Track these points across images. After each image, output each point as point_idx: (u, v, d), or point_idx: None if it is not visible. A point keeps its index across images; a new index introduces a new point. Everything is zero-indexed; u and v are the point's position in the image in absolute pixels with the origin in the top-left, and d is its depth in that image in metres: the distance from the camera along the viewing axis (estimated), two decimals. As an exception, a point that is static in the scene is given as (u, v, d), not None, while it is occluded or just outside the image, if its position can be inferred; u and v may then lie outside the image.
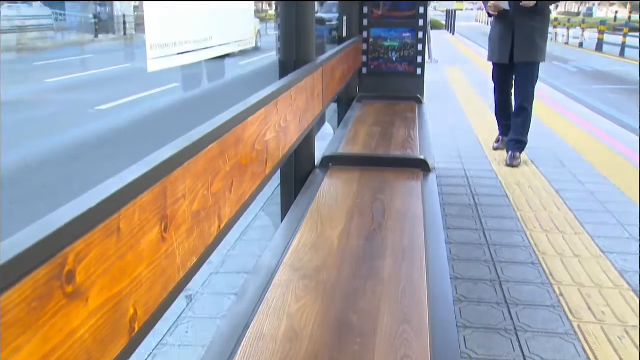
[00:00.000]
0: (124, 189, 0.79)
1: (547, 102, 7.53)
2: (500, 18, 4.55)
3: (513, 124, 4.69)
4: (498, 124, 5.10)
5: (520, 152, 4.66)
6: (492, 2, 4.49)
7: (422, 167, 2.50)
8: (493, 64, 4.81)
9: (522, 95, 4.59)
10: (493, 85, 4.93)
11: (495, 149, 5.06)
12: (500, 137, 5.09)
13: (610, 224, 3.45)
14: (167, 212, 0.94)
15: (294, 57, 2.28)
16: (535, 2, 4.30)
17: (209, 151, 1.12)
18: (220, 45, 1.45)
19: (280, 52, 2.30)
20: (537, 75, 4.60)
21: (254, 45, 1.76)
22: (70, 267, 0.66)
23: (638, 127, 6.52)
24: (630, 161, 4.78)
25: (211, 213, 1.14)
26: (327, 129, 4.75)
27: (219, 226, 1.19)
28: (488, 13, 4.70)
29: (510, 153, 4.66)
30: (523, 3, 4.32)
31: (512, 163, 4.59)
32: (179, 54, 1.20)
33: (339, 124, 3.86)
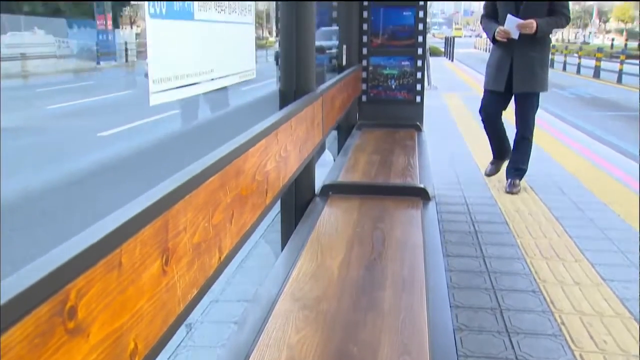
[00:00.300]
0: (126, 223, 0.80)
1: (546, 128, 7.57)
2: (500, 45, 4.42)
3: (514, 152, 4.62)
4: (491, 148, 4.85)
5: (520, 179, 4.64)
6: (501, 27, 4.32)
7: (421, 195, 2.51)
8: (486, 91, 4.61)
9: (524, 125, 4.50)
10: (481, 116, 4.70)
11: (489, 174, 4.89)
12: (494, 161, 4.88)
13: (611, 251, 3.45)
14: (168, 245, 0.95)
15: (294, 86, 2.30)
16: (535, 29, 4.19)
17: (210, 184, 1.13)
18: (222, 77, 1.47)
19: (281, 82, 2.32)
20: (537, 105, 4.52)
21: (254, 76, 1.78)
22: (72, 304, 0.67)
23: (638, 154, 6.55)
24: (630, 188, 4.79)
25: (212, 245, 1.15)
26: (327, 155, 4.77)
27: (220, 258, 1.20)
28: (493, 39, 4.43)
29: (509, 180, 4.63)
30: (520, 27, 4.20)
31: (512, 190, 4.57)
32: (180, 87, 1.21)
33: (338, 151, 3.88)
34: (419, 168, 3.02)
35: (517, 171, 4.62)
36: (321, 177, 2.72)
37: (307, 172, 2.32)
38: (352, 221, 2.22)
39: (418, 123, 4.24)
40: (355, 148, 3.50)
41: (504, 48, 4.40)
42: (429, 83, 12.62)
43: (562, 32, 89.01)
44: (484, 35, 4.72)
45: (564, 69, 23.17)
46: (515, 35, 4.26)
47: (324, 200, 2.46)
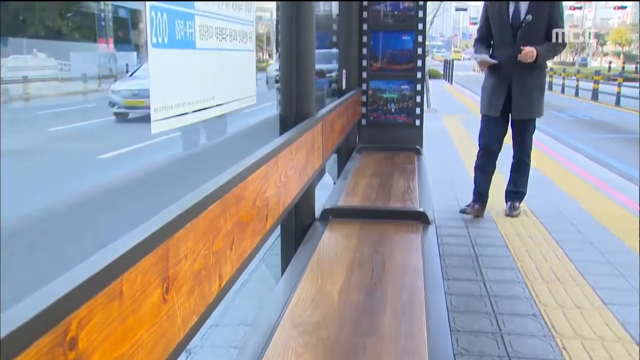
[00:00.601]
0: (127, 253, 0.81)
1: (545, 150, 7.59)
2: (496, 70, 4.33)
3: (513, 176, 4.58)
4: (474, 187, 4.61)
5: (519, 202, 4.62)
6: (480, 57, 4.35)
7: (421, 219, 2.52)
8: (483, 117, 4.50)
9: (522, 149, 4.48)
10: (479, 142, 4.57)
11: (463, 212, 4.56)
12: (473, 204, 4.58)
13: (612, 275, 3.44)
14: (169, 274, 0.95)
15: (294, 111, 2.32)
16: (535, 57, 4.12)
17: (211, 211, 1.13)
18: (222, 104, 1.49)
19: (281, 107, 2.34)
20: (534, 128, 4.51)
21: (255, 102, 1.80)
22: (73, 334, 0.67)
23: (638, 177, 6.56)
24: (630, 211, 4.79)
25: (212, 272, 1.15)
26: (327, 178, 4.77)
27: (220, 284, 1.20)
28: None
29: (509, 203, 4.59)
30: (521, 57, 4.12)
31: (512, 213, 4.54)
32: (182, 114, 1.22)
33: (338, 175, 3.89)
34: (418, 192, 3.03)
35: (517, 194, 4.59)
36: (320, 199, 2.73)
37: (307, 196, 2.33)
38: (352, 245, 2.22)
39: (418, 146, 4.26)
40: (355, 171, 3.51)
41: (501, 72, 4.32)
42: (428, 105, 12.68)
43: (560, 55, 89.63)
44: None
45: (563, 91, 23.31)
46: (493, 60, 4.26)
47: (324, 224, 2.46)
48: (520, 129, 4.43)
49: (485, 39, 4.46)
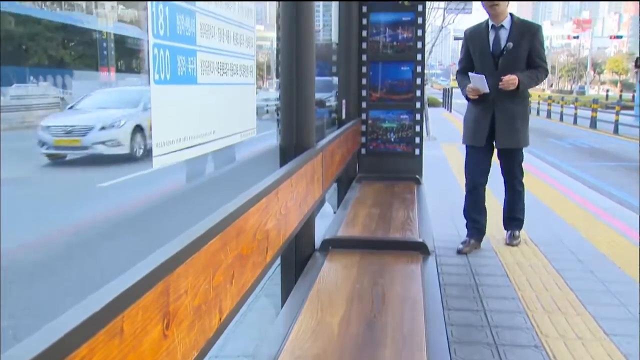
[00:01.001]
0: (128, 290, 0.81)
1: (544, 178, 7.61)
2: (479, 100, 4.19)
3: (508, 204, 4.51)
4: (467, 222, 4.52)
5: (519, 230, 4.57)
6: (471, 85, 4.14)
7: (421, 250, 2.52)
8: (467, 147, 4.42)
9: (512, 178, 4.40)
10: (465, 174, 4.48)
11: (460, 252, 4.38)
12: (468, 239, 4.45)
13: (613, 305, 3.42)
14: (169, 310, 0.95)
15: (294, 142, 2.34)
16: (517, 84, 4.02)
17: (211, 245, 1.14)
18: (223, 137, 1.50)
19: (281, 138, 2.36)
20: (523, 156, 4.40)
21: (255, 134, 1.82)
22: (74, 373, 0.67)
23: (637, 205, 6.57)
24: (629, 239, 4.78)
25: (212, 306, 1.15)
26: (327, 207, 4.78)
27: (220, 319, 1.20)
28: (467, 97, 4.29)
29: (509, 232, 4.55)
30: (503, 85, 4.03)
31: (512, 242, 4.49)
32: (183, 149, 1.24)
33: (338, 204, 3.90)
34: (418, 222, 3.03)
35: (515, 221, 4.54)
36: (320, 228, 2.73)
37: (307, 227, 2.33)
38: (352, 276, 2.21)
39: (417, 176, 4.28)
40: (355, 201, 3.52)
41: (483, 102, 4.20)
42: (427, 134, 12.75)
43: (558, 83, 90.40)
44: None
45: (561, 119, 23.46)
46: (485, 88, 4.07)
47: (324, 255, 2.46)
48: (507, 158, 4.36)
49: (467, 70, 4.31)
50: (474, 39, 4.29)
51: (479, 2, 4.28)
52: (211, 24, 1.43)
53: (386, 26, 4.57)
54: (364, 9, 4.57)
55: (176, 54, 1.22)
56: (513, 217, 4.53)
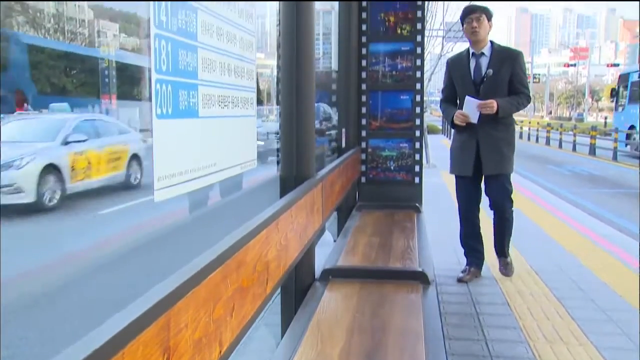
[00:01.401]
0: (129, 326, 0.81)
1: (544, 205, 7.61)
2: (464, 128, 4.16)
3: (497, 235, 4.37)
4: (465, 251, 4.51)
5: (509, 257, 4.43)
6: (460, 111, 4.10)
7: (421, 279, 2.51)
8: (456, 177, 4.36)
9: (500, 207, 4.28)
10: (457, 204, 4.42)
11: (460, 280, 4.37)
12: (468, 268, 4.44)
13: (615, 334, 3.40)
14: (170, 344, 0.95)
15: (294, 172, 2.35)
16: (496, 109, 3.96)
17: (212, 279, 1.14)
18: (224, 169, 1.51)
19: (281, 168, 2.37)
20: (510, 184, 4.28)
21: (255, 166, 1.83)
22: (74, 412, 0.67)
23: (638, 232, 6.56)
24: (630, 267, 4.77)
25: (212, 340, 1.15)
26: (327, 236, 4.78)
27: (220, 351, 1.20)
28: (452, 124, 4.23)
29: (500, 260, 4.44)
30: (482, 109, 3.98)
31: (506, 271, 4.41)
32: (184, 182, 1.25)
33: (338, 233, 3.90)
34: (418, 251, 3.03)
35: (505, 250, 4.41)
36: (320, 256, 2.73)
37: (307, 257, 2.33)
38: (352, 307, 2.21)
39: (417, 204, 4.28)
40: (355, 230, 3.52)
41: (467, 131, 4.16)
42: (427, 161, 12.79)
43: (557, 109, 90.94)
44: None
45: (560, 146, 23.54)
46: (474, 118, 4.04)
47: (324, 284, 2.46)
48: (493, 185, 4.25)
49: (450, 99, 4.35)
50: (456, 67, 4.30)
51: None
52: (213, 58, 1.45)
53: (385, 56, 4.63)
54: (364, 38, 4.63)
55: (178, 89, 1.24)
56: (503, 245, 4.41)
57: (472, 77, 4.18)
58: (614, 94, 23.08)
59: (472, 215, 4.36)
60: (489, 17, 4.14)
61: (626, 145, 19.57)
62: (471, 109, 4.04)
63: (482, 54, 4.16)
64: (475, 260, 4.44)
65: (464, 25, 4.17)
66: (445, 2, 14.64)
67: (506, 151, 4.18)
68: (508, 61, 4.12)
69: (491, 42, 4.20)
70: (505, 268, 4.42)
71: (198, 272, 1.08)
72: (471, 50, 4.21)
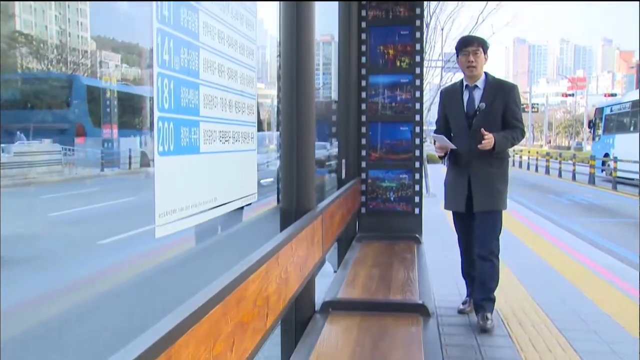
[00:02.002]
0: (131, 364, 0.82)
1: (544, 235, 7.60)
2: (456, 162, 4.07)
3: (478, 280, 4.07)
4: (466, 282, 4.40)
5: (491, 312, 4.02)
6: (437, 145, 4.06)
7: (421, 312, 2.51)
8: (452, 215, 4.25)
9: (484, 246, 4.00)
10: (457, 237, 4.30)
11: (461, 312, 4.31)
12: (468, 299, 4.35)
13: (617, 367, 3.37)
14: (170, 382, 0.95)
15: (294, 205, 2.36)
16: (493, 144, 3.81)
17: (212, 315, 1.15)
18: (224, 204, 1.53)
19: (281, 200, 2.38)
20: (501, 225, 4.05)
21: (256, 199, 1.84)
22: None
23: (638, 261, 6.54)
24: (632, 297, 4.75)
25: (212, 376, 1.15)
26: (327, 266, 4.77)
27: (220, 388, 1.20)
28: (441, 157, 4.19)
29: (480, 315, 4.01)
30: (480, 146, 3.82)
31: (485, 327, 3.93)
32: (185, 217, 1.26)
33: (338, 263, 3.89)
34: (418, 283, 3.03)
35: (486, 301, 4.03)
36: (320, 287, 2.72)
37: (307, 290, 2.33)
38: (352, 340, 2.20)
39: (417, 235, 4.28)
40: (355, 261, 3.52)
41: (460, 165, 4.05)
42: (427, 190, 12.80)
43: (556, 139, 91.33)
44: None
45: (560, 175, 23.59)
46: (450, 144, 3.99)
47: (324, 317, 2.45)
48: (481, 223, 4.01)
49: (443, 131, 4.19)
50: (449, 99, 4.18)
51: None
52: (214, 94, 1.48)
53: (385, 88, 4.68)
54: (363, 71, 4.68)
55: (180, 126, 1.26)
56: (483, 297, 4.03)
57: (464, 109, 4.04)
58: (592, 125, 25.70)
59: (469, 249, 4.21)
60: (486, 49, 4.03)
61: (602, 171, 21.45)
62: (441, 140, 4.04)
63: (476, 86, 4.03)
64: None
65: (459, 57, 4.03)
66: (444, 34, 14.81)
67: (499, 186, 3.98)
68: (502, 94, 3.97)
69: (486, 74, 4.07)
70: (485, 323, 3.96)
71: (199, 308, 1.08)
72: (465, 82, 4.09)
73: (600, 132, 23.81)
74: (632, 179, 17.14)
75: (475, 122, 3.96)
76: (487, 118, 3.95)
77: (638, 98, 20.30)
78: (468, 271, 4.32)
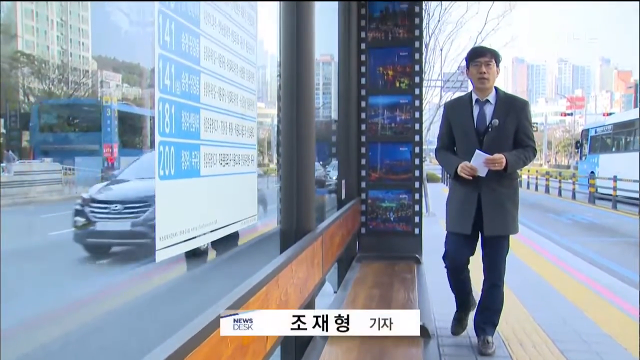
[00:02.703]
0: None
1: (545, 255, 7.58)
2: (464, 181, 3.71)
3: (483, 303, 3.88)
4: (455, 298, 4.19)
5: (492, 335, 3.88)
6: (467, 164, 3.62)
7: (421, 333, 2.49)
8: (449, 233, 3.97)
9: (494, 272, 3.80)
10: (444, 263, 4.06)
11: (455, 333, 4.21)
12: (459, 316, 4.23)
13: (619, 388, 3.35)
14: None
15: (294, 226, 2.37)
16: (505, 165, 3.56)
17: (213, 337, 1.15)
18: (225, 226, 1.53)
19: (281, 222, 2.39)
20: (508, 247, 3.85)
21: (257, 221, 1.85)
22: None
23: (638, 281, 6.52)
24: (633, 317, 4.72)
25: (211, 401, 1.15)
26: (327, 286, 4.75)
27: (219, 413, 1.19)
28: (455, 175, 3.73)
29: (481, 338, 3.87)
30: (489, 165, 3.56)
31: (486, 351, 3.79)
32: (185, 241, 1.27)
33: (338, 283, 3.88)
34: (418, 303, 3.02)
35: (488, 325, 3.89)
36: (320, 307, 2.71)
37: (307, 311, 2.32)
38: (353, 362, 2.19)
39: (417, 255, 4.28)
40: (356, 282, 3.51)
41: (468, 184, 3.72)
42: (427, 210, 12.79)
43: (555, 158, 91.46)
44: None
45: (560, 194, 23.60)
46: (482, 172, 3.62)
47: (325, 339, 2.44)
48: (492, 247, 3.79)
49: (448, 147, 3.92)
50: (456, 113, 3.85)
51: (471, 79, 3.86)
52: (215, 118, 1.49)
53: (384, 108, 4.71)
54: (363, 91, 4.72)
55: (181, 150, 1.27)
56: (487, 321, 3.89)
57: (475, 125, 3.73)
58: (578, 146, 27.47)
59: (461, 270, 3.96)
60: (498, 62, 3.77)
61: (588, 188, 22.42)
62: (479, 163, 3.62)
63: (487, 101, 3.75)
64: (464, 306, 4.15)
65: (470, 69, 3.76)
66: (443, 54, 14.92)
67: (511, 209, 3.75)
68: (514, 111, 3.71)
69: (496, 88, 3.80)
70: (485, 347, 3.84)
71: (199, 332, 1.08)
72: (474, 97, 3.79)
73: (586, 151, 25.51)
74: (609, 195, 18.49)
75: (486, 140, 3.68)
76: (500, 136, 3.68)
77: (618, 121, 22.82)
78: (458, 287, 4.04)
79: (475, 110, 3.77)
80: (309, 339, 2.42)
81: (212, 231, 1.44)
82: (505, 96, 3.81)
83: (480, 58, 3.71)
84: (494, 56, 3.73)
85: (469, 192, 3.74)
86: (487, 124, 3.69)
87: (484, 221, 3.71)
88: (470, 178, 3.62)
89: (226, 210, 1.57)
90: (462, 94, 4.11)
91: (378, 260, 4.19)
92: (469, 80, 3.94)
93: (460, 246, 3.86)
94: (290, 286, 1.88)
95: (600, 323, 4.57)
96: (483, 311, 3.87)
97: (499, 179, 3.68)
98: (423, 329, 2.52)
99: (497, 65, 3.76)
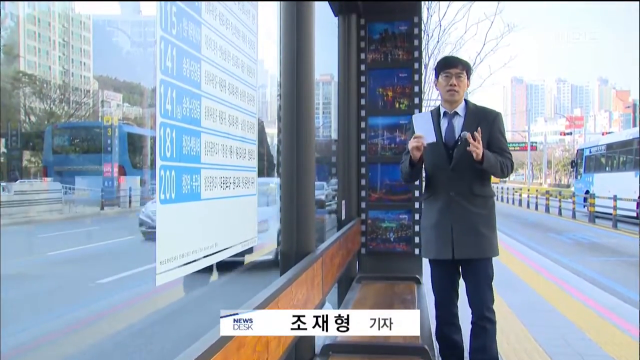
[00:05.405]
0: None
1: (546, 275, 7.56)
2: (433, 202, 3.44)
3: (474, 343, 3.33)
4: (440, 348, 3.45)
5: None
6: (417, 131, 3.30)
7: (422, 355, 2.49)
8: (430, 262, 3.55)
9: (479, 302, 3.36)
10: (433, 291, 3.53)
11: None
12: None
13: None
14: None
15: (294, 247, 2.37)
16: (481, 157, 3.17)
17: (212, 364, 1.15)
18: (225, 249, 1.54)
19: (281, 243, 2.39)
20: (492, 274, 3.41)
21: (257, 243, 1.85)
22: None
23: (639, 301, 6.50)
24: (633, 338, 4.70)
25: None
26: (327, 307, 4.73)
27: None
28: (411, 163, 3.39)
29: None
30: (470, 143, 3.13)
31: None
32: (186, 264, 1.27)
33: (338, 304, 3.87)
34: (419, 324, 3.00)
35: None
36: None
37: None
38: (353, 385, 2.18)
39: (417, 276, 4.27)
40: (356, 303, 3.50)
41: (439, 203, 3.41)
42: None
43: (555, 176, 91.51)
44: None
45: (560, 213, 23.59)
46: (431, 138, 3.25)
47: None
48: (470, 273, 3.41)
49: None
50: (423, 127, 3.33)
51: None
52: (215, 141, 1.50)
53: (384, 129, 4.73)
54: (362, 112, 4.74)
55: (182, 174, 1.28)
56: (486, 358, 3.34)
57: (443, 139, 3.42)
58: (574, 165, 28.46)
59: (449, 302, 3.50)
60: (469, 74, 3.50)
61: (584, 206, 22.81)
62: (423, 124, 3.30)
63: (456, 113, 3.45)
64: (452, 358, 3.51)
65: (439, 79, 3.46)
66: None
67: (484, 231, 3.36)
68: (485, 123, 3.38)
69: (466, 100, 3.51)
70: None
71: (200, 356, 1.08)
72: (442, 109, 3.50)
73: (582, 170, 26.40)
74: (609, 214, 18.89)
75: (455, 154, 3.36)
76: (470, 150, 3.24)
77: (611, 141, 23.66)
78: (444, 333, 3.48)
79: (444, 123, 3.47)
80: (310, 359, 2.41)
81: (212, 254, 1.44)
82: (476, 108, 3.51)
83: (451, 69, 3.42)
84: (466, 68, 3.46)
85: (442, 214, 3.40)
86: (456, 137, 3.39)
87: (454, 243, 3.35)
88: (421, 148, 3.26)
89: (226, 232, 1.57)
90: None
91: (378, 280, 4.18)
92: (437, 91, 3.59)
93: (441, 274, 3.49)
94: (290, 307, 1.88)
95: (600, 343, 4.54)
96: (478, 350, 3.34)
97: (470, 198, 3.37)
98: (424, 350, 2.51)
99: (468, 78, 3.49)
